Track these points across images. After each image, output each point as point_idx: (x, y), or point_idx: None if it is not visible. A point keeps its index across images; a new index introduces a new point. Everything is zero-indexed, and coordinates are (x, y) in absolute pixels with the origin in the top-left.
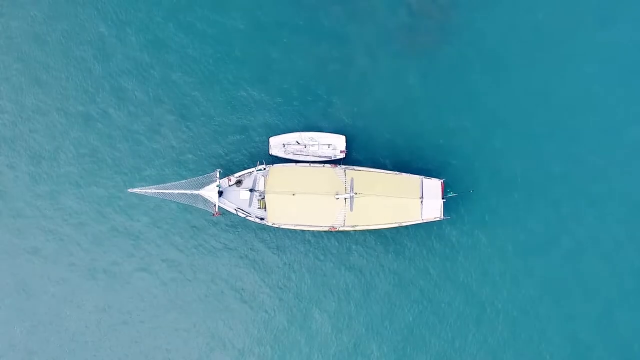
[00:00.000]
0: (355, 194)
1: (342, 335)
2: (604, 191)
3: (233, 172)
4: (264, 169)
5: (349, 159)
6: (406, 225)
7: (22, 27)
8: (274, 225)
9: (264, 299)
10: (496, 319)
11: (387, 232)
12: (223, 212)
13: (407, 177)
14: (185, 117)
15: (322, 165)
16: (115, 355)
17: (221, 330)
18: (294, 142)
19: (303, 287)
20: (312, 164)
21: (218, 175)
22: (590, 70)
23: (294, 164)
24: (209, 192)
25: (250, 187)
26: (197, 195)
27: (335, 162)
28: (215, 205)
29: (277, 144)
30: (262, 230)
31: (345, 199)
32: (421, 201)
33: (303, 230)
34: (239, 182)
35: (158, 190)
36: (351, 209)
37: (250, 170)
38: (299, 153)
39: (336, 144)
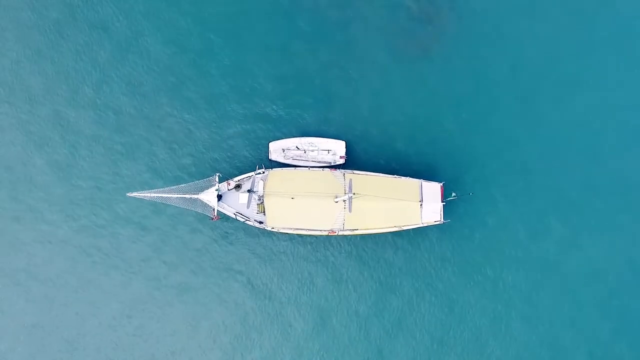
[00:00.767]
0: (354, 194)
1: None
2: (609, 188)
3: (232, 177)
4: (263, 173)
5: (348, 165)
6: (406, 229)
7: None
8: (273, 230)
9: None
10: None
11: (387, 236)
12: (222, 216)
13: (406, 181)
14: (184, 121)
15: (321, 169)
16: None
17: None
18: (294, 148)
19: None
20: (311, 168)
21: (217, 180)
22: (596, 72)
23: (293, 168)
24: (208, 196)
25: (250, 191)
26: (196, 200)
27: (334, 167)
28: (214, 210)
29: (277, 149)
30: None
31: (344, 201)
32: (421, 205)
33: (302, 235)
34: (238, 187)
35: (157, 195)
36: (349, 210)
37: (250, 174)
38: (298, 158)
39: (336, 149)
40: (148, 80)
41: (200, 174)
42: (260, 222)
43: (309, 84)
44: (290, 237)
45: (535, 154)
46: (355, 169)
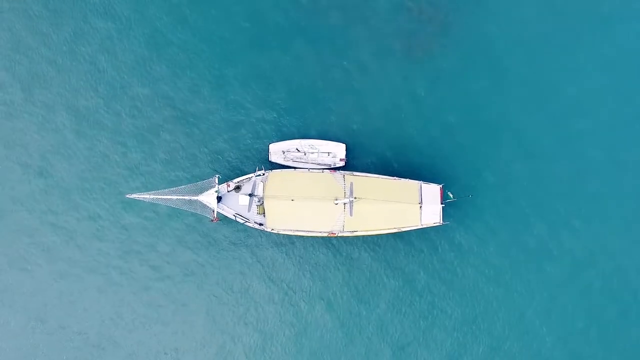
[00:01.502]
0: (355, 198)
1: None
2: (609, 195)
3: (232, 178)
4: (263, 174)
5: (348, 167)
6: (405, 231)
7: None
8: (272, 232)
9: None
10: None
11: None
12: (221, 217)
13: (406, 183)
14: (185, 122)
15: (321, 170)
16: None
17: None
18: (294, 150)
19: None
20: (311, 170)
21: (217, 181)
22: (597, 74)
23: (293, 169)
24: (208, 197)
25: (250, 193)
26: (196, 201)
27: (334, 170)
28: (213, 211)
29: (277, 151)
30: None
31: (344, 204)
32: (420, 206)
33: (302, 237)
34: (237, 188)
35: (156, 196)
36: (350, 214)
37: (250, 175)
38: (298, 160)
39: (336, 152)
40: (148, 80)
41: (199, 176)
42: (260, 224)
43: (310, 86)
44: (290, 238)
45: (537, 155)
46: (354, 171)
